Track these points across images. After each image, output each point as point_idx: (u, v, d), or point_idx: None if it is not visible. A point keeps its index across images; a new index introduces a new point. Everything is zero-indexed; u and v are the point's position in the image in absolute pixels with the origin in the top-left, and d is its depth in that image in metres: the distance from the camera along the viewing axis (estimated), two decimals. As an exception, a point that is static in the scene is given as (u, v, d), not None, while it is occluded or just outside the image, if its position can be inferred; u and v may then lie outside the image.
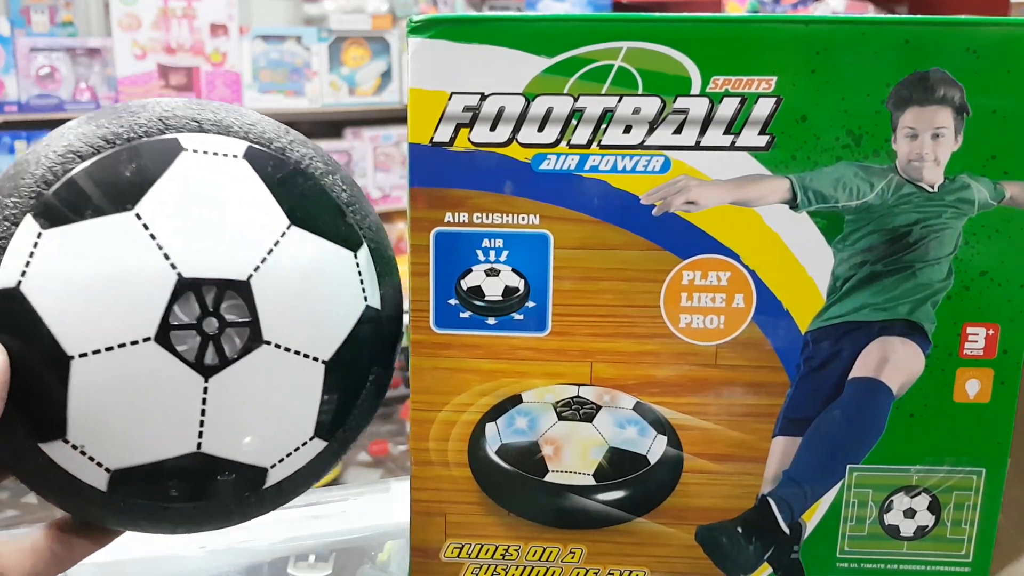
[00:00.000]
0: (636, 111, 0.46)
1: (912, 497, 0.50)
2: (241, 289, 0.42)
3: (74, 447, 0.42)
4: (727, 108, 0.46)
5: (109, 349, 0.41)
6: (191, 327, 0.42)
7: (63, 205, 0.42)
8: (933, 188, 0.46)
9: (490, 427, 0.50)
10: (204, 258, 0.42)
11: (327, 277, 0.45)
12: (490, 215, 0.48)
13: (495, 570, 0.52)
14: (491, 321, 0.49)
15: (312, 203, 0.46)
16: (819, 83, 0.46)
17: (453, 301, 0.49)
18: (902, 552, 0.51)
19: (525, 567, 0.52)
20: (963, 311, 0.48)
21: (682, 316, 0.48)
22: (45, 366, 0.41)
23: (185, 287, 0.41)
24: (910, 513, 0.50)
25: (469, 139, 0.47)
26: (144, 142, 0.44)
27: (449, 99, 0.46)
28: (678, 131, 0.46)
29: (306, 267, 0.45)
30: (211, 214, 0.43)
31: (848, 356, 0.48)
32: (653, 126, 0.46)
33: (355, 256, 0.47)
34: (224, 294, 0.42)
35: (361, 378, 0.48)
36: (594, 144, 0.47)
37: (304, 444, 0.46)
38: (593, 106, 0.46)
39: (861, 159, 0.46)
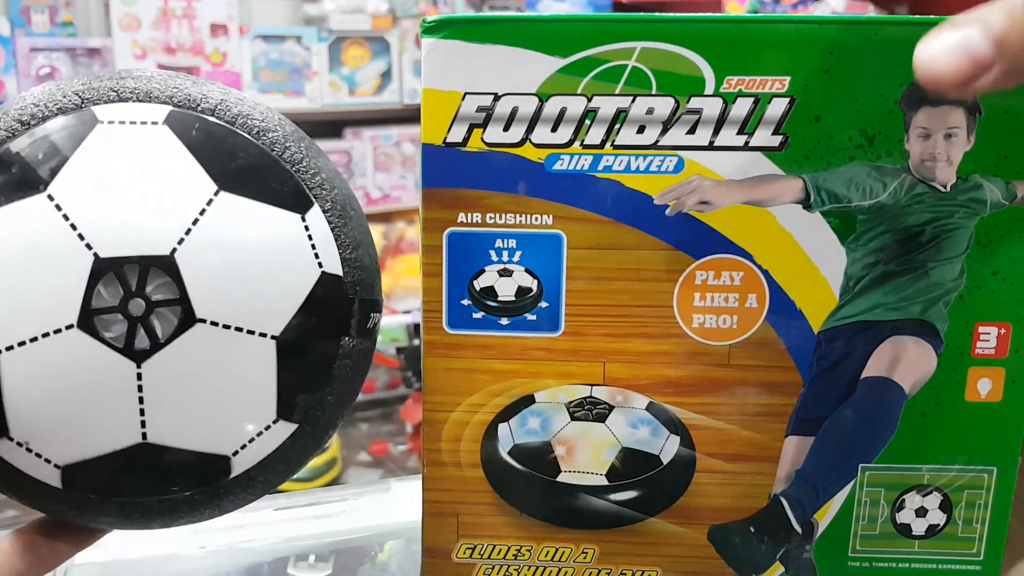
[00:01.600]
0: (650, 111, 0.46)
1: (923, 496, 0.50)
2: (165, 265, 0.40)
3: (19, 444, 0.41)
4: (741, 108, 0.46)
5: (33, 340, 0.39)
6: (115, 310, 0.39)
7: None
8: (946, 188, 0.47)
9: (503, 427, 0.50)
10: (122, 235, 0.39)
11: (267, 244, 0.42)
12: (503, 215, 0.48)
13: (507, 570, 0.52)
14: (504, 321, 0.49)
15: (246, 165, 0.43)
16: (833, 83, 0.46)
17: (466, 301, 0.49)
18: (913, 551, 0.51)
19: (537, 567, 0.52)
20: (975, 310, 0.48)
21: (695, 316, 0.48)
22: None
23: (104, 268, 0.39)
24: (922, 512, 0.51)
25: (482, 139, 0.47)
26: (57, 119, 0.42)
27: (462, 99, 0.46)
28: (692, 131, 0.47)
29: (240, 235, 0.41)
30: (128, 187, 0.40)
31: (861, 355, 0.49)
32: (667, 126, 0.46)
33: (303, 219, 0.43)
34: (148, 272, 0.39)
35: (328, 352, 0.44)
36: (607, 144, 0.47)
37: (268, 428, 0.43)
38: (607, 106, 0.46)
39: (874, 159, 0.46)
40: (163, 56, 2.84)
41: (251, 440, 0.43)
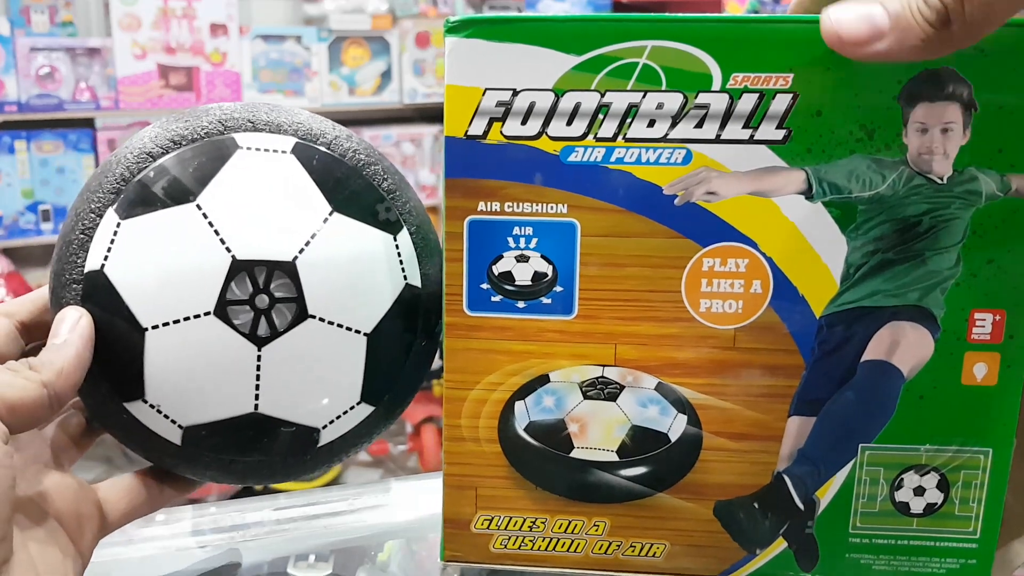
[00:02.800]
0: (660, 106, 0.49)
1: (922, 475, 0.52)
2: (288, 269, 0.48)
3: (151, 406, 0.49)
4: (746, 103, 0.48)
5: (176, 322, 0.47)
6: (245, 303, 0.48)
7: (137, 199, 0.49)
8: (942, 180, 0.49)
9: (519, 405, 0.52)
10: (255, 242, 0.48)
11: (367, 258, 0.51)
12: (521, 204, 0.50)
13: (523, 541, 0.54)
14: (521, 305, 0.51)
15: (354, 192, 0.51)
16: (834, 80, 0.48)
17: (485, 285, 0.51)
18: (912, 528, 0.53)
19: (551, 539, 0.54)
20: (971, 297, 0.50)
21: (702, 301, 0.51)
22: (126, 337, 0.48)
23: (239, 268, 0.47)
24: (920, 491, 0.53)
25: (501, 132, 0.49)
26: (205, 141, 0.50)
27: (483, 95, 0.49)
28: (699, 125, 0.49)
29: (347, 249, 0.50)
30: (262, 203, 0.49)
31: (860, 340, 0.51)
32: (676, 120, 0.49)
33: (395, 239, 0.52)
34: (273, 274, 0.48)
35: (403, 349, 0.53)
36: (619, 137, 0.49)
37: (352, 408, 0.52)
38: (619, 101, 0.49)
39: (874, 152, 0.49)
40: (163, 56, 2.85)
41: (338, 417, 0.51)
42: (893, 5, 0.39)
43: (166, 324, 0.47)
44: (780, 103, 0.48)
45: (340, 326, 0.50)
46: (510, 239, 0.50)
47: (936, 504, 0.53)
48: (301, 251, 0.49)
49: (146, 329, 0.47)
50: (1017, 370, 0.51)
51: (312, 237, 0.49)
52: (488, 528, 0.54)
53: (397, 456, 3.01)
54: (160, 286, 0.47)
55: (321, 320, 0.49)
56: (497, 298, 0.51)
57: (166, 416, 0.49)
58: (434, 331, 0.55)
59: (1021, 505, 0.55)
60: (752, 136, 0.49)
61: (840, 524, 0.53)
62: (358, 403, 0.52)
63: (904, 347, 0.51)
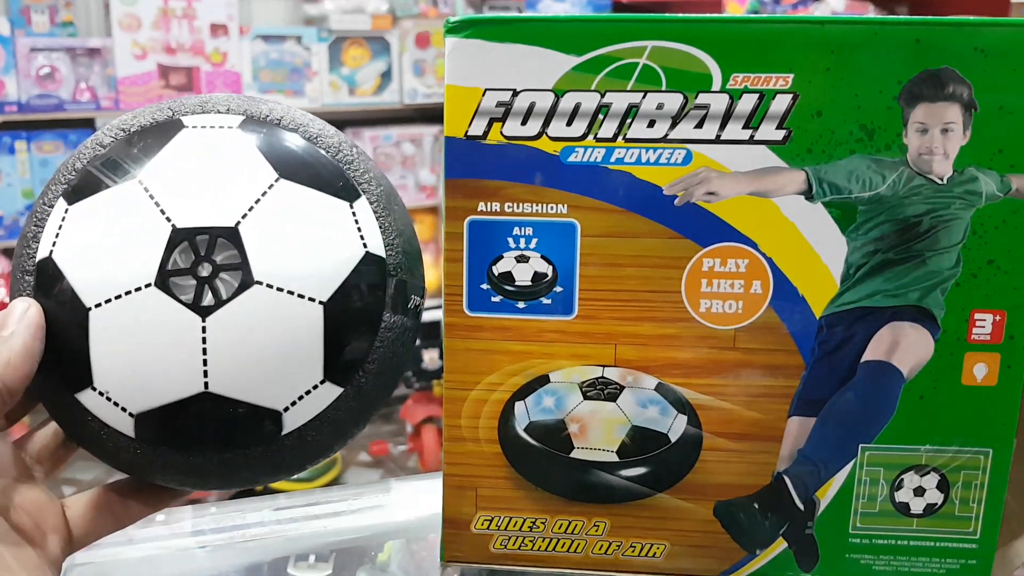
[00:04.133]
0: (659, 106, 0.49)
1: (922, 476, 0.52)
2: (230, 235, 0.46)
3: (100, 393, 0.47)
4: (746, 104, 0.48)
5: (118, 297, 0.46)
6: (187, 272, 0.46)
7: (84, 184, 0.48)
8: (942, 180, 0.49)
9: (519, 406, 0.52)
10: (196, 211, 0.47)
11: (317, 223, 0.48)
12: (521, 204, 0.50)
13: (523, 541, 0.54)
14: (520, 305, 0.51)
15: (303, 161, 0.50)
16: (834, 80, 0.48)
17: (485, 286, 0.51)
18: (912, 529, 0.53)
19: (550, 539, 0.54)
20: (971, 298, 0.50)
21: (702, 301, 0.51)
22: (72, 320, 0.46)
23: (180, 237, 0.46)
24: (920, 491, 0.53)
25: (501, 133, 0.49)
26: (152, 125, 0.50)
27: (483, 95, 0.49)
28: (699, 125, 0.49)
29: (294, 214, 0.48)
30: (204, 174, 0.48)
31: (861, 340, 0.51)
32: (676, 121, 0.49)
33: (351, 206, 0.50)
34: (216, 241, 0.46)
35: (370, 323, 0.49)
36: (619, 138, 0.49)
37: (315, 387, 0.48)
38: (619, 102, 0.49)
39: (874, 152, 0.49)
40: (163, 56, 2.85)
41: (300, 398, 0.48)
42: None
43: (108, 301, 0.46)
44: (780, 103, 0.48)
45: (291, 293, 0.47)
46: (510, 239, 0.50)
47: (936, 504, 0.53)
48: (244, 216, 0.47)
49: (90, 308, 0.46)
50: (1017, 370, 0.51)
51: (256, 203, 0.47)
52: (488, 528, 0.54)
53: (397, 456, 3.01)
54: (102, 263, 0.46)
55: (269, 287, 0.46)
56: (497, 298, 0.51)
57: (115, 403, 0.47)
58: (409, 307, 0.52)
59: (1021, 505, 0.55)
60: (752, 136, 0.49)
61: (840, 524, 0.53)
62: (322, 382, 0.48)
63: (904, 347, 0.51)
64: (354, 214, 0.50)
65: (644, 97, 0.49)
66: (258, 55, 3.02)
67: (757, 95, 0.48)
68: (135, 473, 0.51)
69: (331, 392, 0.49)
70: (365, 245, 0.49)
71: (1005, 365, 0.51)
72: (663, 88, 0.48)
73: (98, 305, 0.46)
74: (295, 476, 0.53)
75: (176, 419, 0.47)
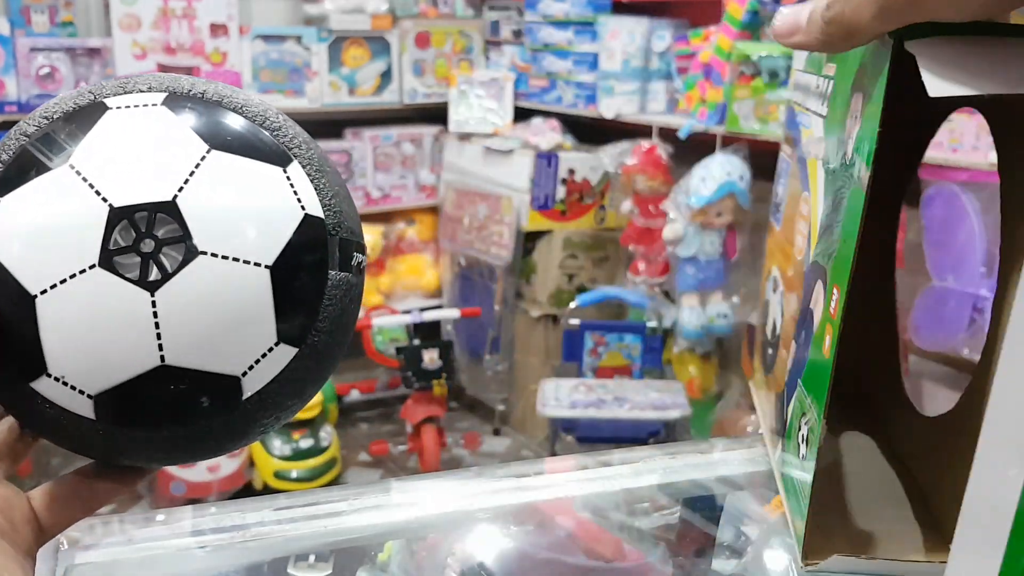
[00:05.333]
0: None
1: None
2: (169, 209, 0.47)
3: (56, 379, 0.47)
4: None
5: (63, 282, 0.46)
6: (130, 250, 0.46)
7: (13, 174, 0.48)
8: None
9: None
10: (132, 188, 0.47)
11: (254, 188, 0.49)
12: None
13: None
14: None
15: (232, 131, 0.50)
16: None
17: None
18: None
19: None
20: None
21: None
22: (18, 310, 0.46)
23: (119, 215, 0.46)
24: None
25: None
26: (76, 110, 0.50)
27: None
28: None
29: (230, 182, 0.48)
30: (134, 152, 0.48)
31: None
32: None
33: (284, 171, 0.50)
34: (155, 216, 0.46)
35: (317, 282, 0.50)
36: None
37: (271, 350, 0.49)
38: None
39: None
40: (163, 56, 2.85)
41: (256, 361, 0.49)
42: (807, 10, 0.49)
43: (53, 286, 0.46)
44: None
45: (236, 260, 0.47)
46: None
47: None
48: (180, 189, 0.47)
49: (35, 296, 0.46)
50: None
51: (191, 175, 0.48)
52: None
53: (397, 456, 3.01)
54: (42, 249, 0.46)
55: (214, 256, 0.47)
56: None
57: (73, 387, 0.47)
58: (352, 264, 0.52)
59: None
60: None
61: None
62: (276, 344, 0.49)
63: None
64: (288, 178, 0.50)
65: None
66: (258, 55, 3.02)
67: None
68: (100, 456, 0.51)
69: (287, 353, 0.50)
70: (303, 207, 0.50)
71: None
72: None
73: (43, 292, 0.46)
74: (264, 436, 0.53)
75: (136, 396, 0.47)
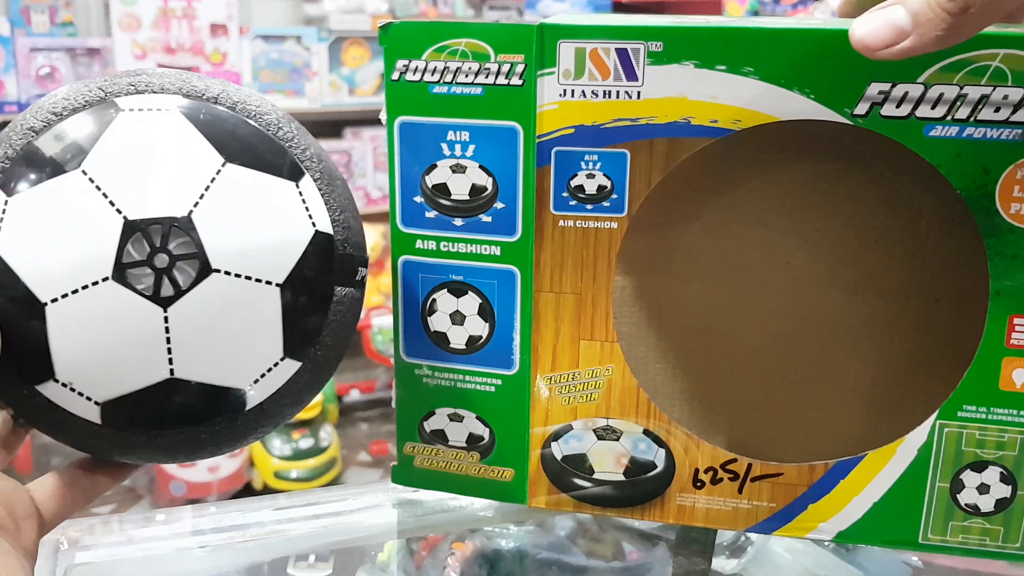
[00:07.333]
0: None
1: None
2: (184, 224, 0.46)
3: (64, 385, 0.47)
4: None
5: (75, 292, 0.46)
6: (143, 264, 0.46)
7: (22, 174, 0.47)
8: None
9: None
10: (147, 201, 0.46)
11: (268, 206, 0.49)
12: None
13: None
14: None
15: (247, 142, 0.50)
16: None
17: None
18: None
19: None
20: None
21: None
22: (26, 315, 0.46)
23: (133, 228, 0.46)
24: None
25: None
26: (87, 110, 0.49)
27: None
28: None
29: (245, 198, 0.48)
30: (149, 162, 0.47)
31: None
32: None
33: (297, 186, 0.50)
34: (170, 231, 0.46)
35: (323, 299, 0.51)
36: None
37: (276, 364, 0.50)
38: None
39: None
40: (163, 56, 2.85)
41: (262, 375, 0.49)
42: (912, 4, 0.42)
43: (65, 296, 0.46)
44: None
45: (248, 278, 0.48)
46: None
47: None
48: (196, 204, 0.47)
49: (45, 304, 0.46)
50: None
51: (206, 190, 0.47)
52: None
53: (398, 456, 3.00)
54: (54, 258, 0.46)
55: (227, 273, 0.47)
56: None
57: (80, 394, 0.47)
58: (355, 279, 0.53)
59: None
60: None
61: None
62: (282, 359, 0.50)
63: None
64: (300, 193, 0.50)
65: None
66: (258, 55, 3.02)
67: None
68: (102, 455, 0.51)
69: (290, 367, 0.50)
70: (314, 224, 0.50)
71: None
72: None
73: (54, 300, 0.46)
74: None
75: (143, 404, 0.48)
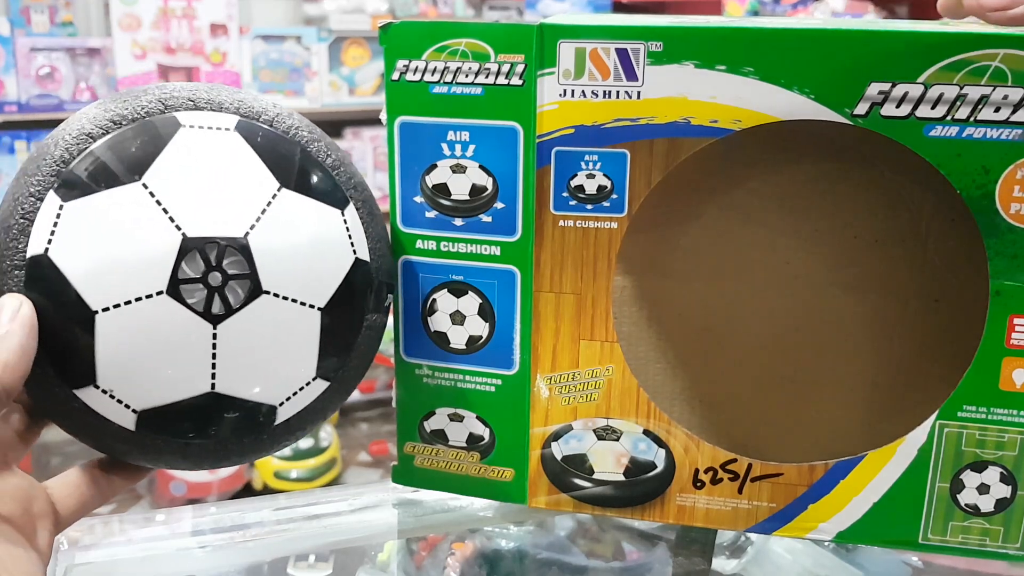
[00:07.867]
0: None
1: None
2: (240, 246, 0.48)
3: (104, 391, 0.48)
4: None
5: (128, 303, 0.46)
6: (197, 281, 0.47)
7: (80, 180, 0.48)
8: None
9: None
10: (206, 220, 0.48)
11: (317, 233, 0.51)
12: None
13: None
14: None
15: (300, 168, 0.52)
16: None
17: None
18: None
19: None
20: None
21: None
22: (74, 321, 0.47)
23: (190, 246, 0.47)
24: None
25: None
26: (147, 120, 0.50)
27: None
28: None
29: (298, 224, 0.50)
30: (209, 181, 0.49)
31: None
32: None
33: (342, 214, 0.52)
34: (225, 251, 0.48)
35: (356, 323, 0.53)
36: None
37: (308, 384, 0.52)
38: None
39: None
40: (163, 56, 2.85)
41: (295, 393, 0.51)
42: None
43: (117, 306, 0.46)
44: None
45: (294, 301, 0.49)
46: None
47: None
48: (252, 227, 0.48)
49: (96, 312, 0.46)
50: None
51: (262, 213, 0.49)
52: None
53: (397, 456, 3.00)
54: (109, 267, 0.46)
55: (276, 296, 0.49)
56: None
57: (119, 401, 0.48)
58: (384, 306, 0.55)
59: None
60: None
61: None
62: (314, 379, 0.52)
63: None
64: (345, 222, 0.52)
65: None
66: (258, 55, 3.02)
67: None
68: (129, 459, 0.52)
69: (320, 386, 0.52)
70: (355, 252, 0.52)
71: None
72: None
73: (105, 309, 0.46)
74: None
75: (179, 415, 0.49)
